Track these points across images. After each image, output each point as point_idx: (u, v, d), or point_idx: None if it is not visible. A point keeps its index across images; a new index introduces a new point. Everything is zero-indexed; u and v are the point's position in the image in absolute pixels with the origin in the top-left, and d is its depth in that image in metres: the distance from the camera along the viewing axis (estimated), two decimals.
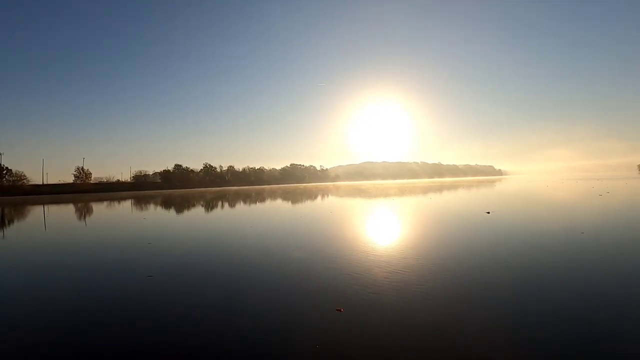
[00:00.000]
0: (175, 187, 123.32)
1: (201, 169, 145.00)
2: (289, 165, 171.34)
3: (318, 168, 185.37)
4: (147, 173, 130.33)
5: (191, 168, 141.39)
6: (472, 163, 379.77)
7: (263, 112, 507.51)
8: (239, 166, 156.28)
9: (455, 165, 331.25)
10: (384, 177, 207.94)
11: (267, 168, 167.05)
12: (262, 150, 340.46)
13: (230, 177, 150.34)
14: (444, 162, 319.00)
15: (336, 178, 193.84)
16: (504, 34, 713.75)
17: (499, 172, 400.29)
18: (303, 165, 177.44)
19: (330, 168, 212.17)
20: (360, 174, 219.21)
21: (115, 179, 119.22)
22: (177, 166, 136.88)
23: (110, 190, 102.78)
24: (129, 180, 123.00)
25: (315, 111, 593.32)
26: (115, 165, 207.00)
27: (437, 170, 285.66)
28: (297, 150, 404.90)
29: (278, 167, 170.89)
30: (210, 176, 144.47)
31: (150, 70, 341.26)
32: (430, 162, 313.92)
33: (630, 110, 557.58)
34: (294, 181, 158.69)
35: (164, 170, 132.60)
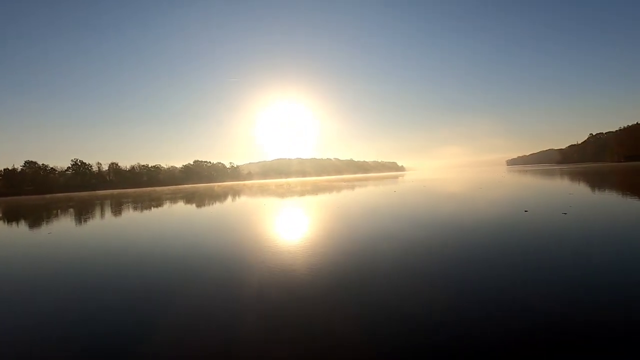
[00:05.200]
0: (24, 192, 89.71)
1: (68, 167, 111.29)
2: (192, 163, 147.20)
3: (228, 165, 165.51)
4: None
5: (52, 166, 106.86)
6: (379, 160, 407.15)
7: (167, 107, 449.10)
8: (126, 164, 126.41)
9: (366, 161, 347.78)
10: (303, 174, 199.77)
11: (165, 166, 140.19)
12: (166, 148, 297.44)
13: (113, 177, 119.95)
14: (355, 159, 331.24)
15: (249, 176, 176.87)
16: (410, 36, 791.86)
17: (402, 168, 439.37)
18: (210, 163, 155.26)
19: (242, 165, 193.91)
20: (276, 171, 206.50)
21: None
22: (29, 163, 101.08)
23: None
24: None
25: (224, 107, 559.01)
26: None
27: (352, 166, 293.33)
28: (204, 148, 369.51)
29: (179, 164, 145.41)
30: (82, 176, 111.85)
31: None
32: (342, 158, 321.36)
33: (518, 111, 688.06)
34: (200, 181, 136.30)
35: (5, 170, 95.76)
